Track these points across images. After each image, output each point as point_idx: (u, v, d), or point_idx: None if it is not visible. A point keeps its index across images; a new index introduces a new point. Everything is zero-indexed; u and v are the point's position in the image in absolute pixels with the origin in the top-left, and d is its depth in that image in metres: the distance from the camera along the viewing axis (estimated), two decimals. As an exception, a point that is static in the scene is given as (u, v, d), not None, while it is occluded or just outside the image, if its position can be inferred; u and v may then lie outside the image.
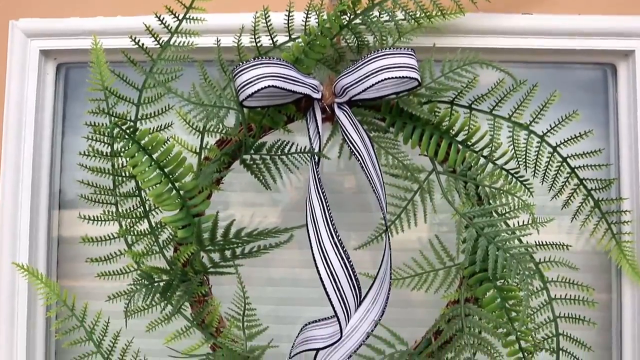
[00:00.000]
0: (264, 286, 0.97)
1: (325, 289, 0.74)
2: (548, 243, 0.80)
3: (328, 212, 0.75)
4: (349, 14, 0.79)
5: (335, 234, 0.74)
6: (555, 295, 0.80)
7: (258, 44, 0.80)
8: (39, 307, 0.91)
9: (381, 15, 0.81)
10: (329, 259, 0.74)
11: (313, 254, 0.74)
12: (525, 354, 0.77)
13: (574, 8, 0.91)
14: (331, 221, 0.75)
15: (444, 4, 0.81)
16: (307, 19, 0.80)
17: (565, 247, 0.80)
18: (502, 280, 0.79)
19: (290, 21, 0.80)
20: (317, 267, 0.74)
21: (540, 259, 0.81)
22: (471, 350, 0.79)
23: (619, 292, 0.91)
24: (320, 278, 0.74)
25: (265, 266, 0.98)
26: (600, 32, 0.89)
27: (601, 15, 0.90)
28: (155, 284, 0.80)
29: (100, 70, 0.78)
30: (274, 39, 0.81)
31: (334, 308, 0.76)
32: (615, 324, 0.92)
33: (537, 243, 0.81)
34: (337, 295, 0.75)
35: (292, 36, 0.82)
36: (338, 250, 0.75)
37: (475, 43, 0.89)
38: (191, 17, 0.78)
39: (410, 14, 0.81)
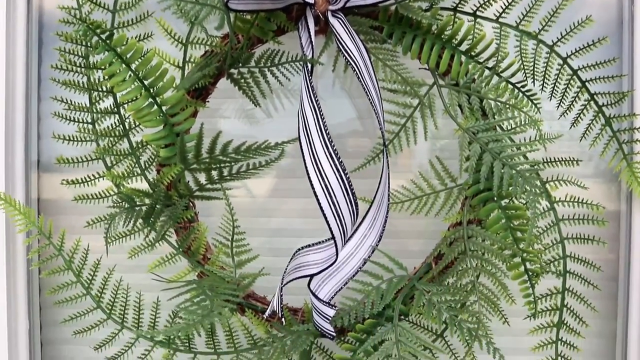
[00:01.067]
0: (256, 217, 0.92)
1: (319, 202, 0.69)
2: (557, 159, 0.76)
3: (322, 121, 0.70)
4: None
5: (330, 144, 0.69)
6: (563, 216, 0.76)
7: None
8: (19, 238, 0.86)
9: None
10: (324, 171, 0.69)
11: (306, 167, 0.69)
12: (531, 277, 0.74)
13: None
14: (326, 131, 0.70)
15: None
16: None
17: (575, 162, 0.76)
18: (508, 200, 0.76)
19: None
20: (310, 180, 0.69)
21: (547, 178, 0.77)
22: (474, 274, 0.75)
23: (628, 219, 0.88)
24: (314, 191, 0.69)
25: (257, 196, 0.93)
26: None
27: None
28: (137, 208, 0.76)
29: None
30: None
31: (328, 224, 0.71)
32: (624, 247, 0.88)
33: (545, 160, 0.77)
34: (332, 210, 0.70)
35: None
36: (333, 161, 0.70)
37: None
38: None
39: None
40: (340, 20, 0.75)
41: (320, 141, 0.70)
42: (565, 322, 0.75)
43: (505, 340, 0.75)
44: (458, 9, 0.76)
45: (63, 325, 0.81)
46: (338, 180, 0.70)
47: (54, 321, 0.93)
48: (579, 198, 0.76)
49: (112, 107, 0.76)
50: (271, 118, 0.91)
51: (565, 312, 0.75)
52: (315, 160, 0.69)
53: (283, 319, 0.77)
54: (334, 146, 0.68)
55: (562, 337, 0.75)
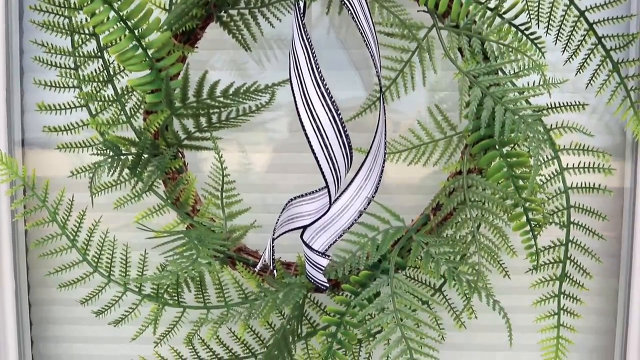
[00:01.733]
0: (247, 173, 0.90)
1: (310, 145, 0.66)
2: (562, 104, 0.73)
3: (314, 61, 0.67)
4: None
5: (322, 83, 0.65)
6: (567, 165, 0.73)
7: None
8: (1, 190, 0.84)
9: None
10: (315, 111, 0.66)
11: (297, 107, 0.66)
12: (534, 227, 0.71)
13: None
14: (318, 72, 0.66)
15: None
16: None
17: (581, 106, 0.72)
18: (509, 147, 0.72)
19: None
20: (301, 122, 0.66)
21: (550, 126, 0.74)
22: (474, 224, 0.72)
23: (634, 172, 0.84)
24: (305, 133, 0.66)
25: (249, 151, 0.90)
26: None
27: None
28: (123, 157, 0.73)
29: None
30: None
31: (321, 168, 0.67)
32: (629, 199, 0.85)
33: (549, 106, 0.74)
34: (324, 153, 0.67)
35: None
36: (325, 100, 0.66)
37: None
38: None
39: None
40: (334, -43, 0.72)
41: (312, 79, 0.66)
42: (568, 274, 0.73)
43: (504, 298, 0.73)
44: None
45: (49, 279, 0.79)
46: (330, 120, 0.66)
47: (41, 281, 0.92)
48: (584, 146, 0.72)
49: (96, 51, 0.73)
50: (263, 69, 0.88)
51: (568, 264, 0.72)
52: (306, 100, 0.66)
53: (275, 272, 0.75)
54: (325, 85, 0.65)
55: (564, 291, 0.73)
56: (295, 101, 0.67)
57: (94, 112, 0.74)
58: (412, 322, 0.68)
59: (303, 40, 0.67)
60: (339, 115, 0.65)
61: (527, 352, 0.88)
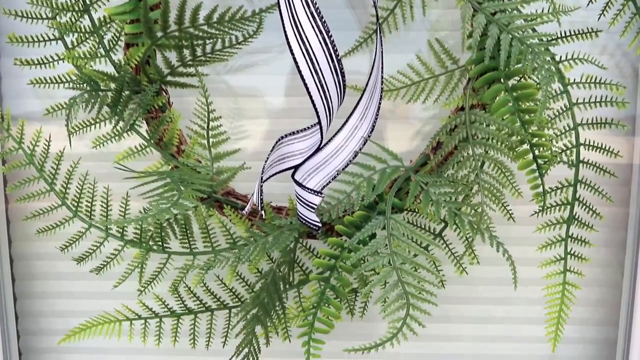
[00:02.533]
0: (236, 118, 0.85)
1: (299, 70, 0.61)
2: (573, 32, 0.67)
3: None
4: None
5: (313, 4, 0.60)
6: (577, 100, 0.68)
7: None
8: None
9: None
10: (305, 35, 0.60)
11: (286, 34, 0.61)
12: (540, 166, 0.67)
13: None
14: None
15: None
16: None
17: (595, 33, 0.67)
18: (515, 80, 0.68)
19: None
20: (290, 47, 0.61)
21: (559, 57, 0.69)
22: (477, 162, 0.68)
23: None
24: (293, 56, 0.61)
25: (238, 95, 0.85)
26: None
27: None
28: (102, 93, 0.69)
29: None
30: None
31: (311, 96, 0.63)
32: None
33: (559, 35, 0.68)
34: (314, 80, 0.62)
35: None
36: (315, 21, 0.61)
37: None
38: None
39: None
40: None
41: (304, 8, 0.61)
42: (577, 216, 0.68)
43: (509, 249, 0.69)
44: None
45: (30, 234, 0.75)
46: (320, 43, 0.61)
47: (23, 236, 0.88)
48: (596, 78, 0.67)
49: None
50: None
51: (579, 205, 0.68)
52: (295, 22, 0.61)
53: (263, 212, 0.70)
54: (316, 4, 0.60)
55: (572, 234, 0.68)
56: (282, 19, 0.62)
57: (70, 46, 0.69)
58: (410, 267, 0.64)
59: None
60: (330, 37, 0.60)
61: (530, 305, 0.85)
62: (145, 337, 0.74)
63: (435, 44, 0.73)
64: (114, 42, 0.69)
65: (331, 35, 0.60)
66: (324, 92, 0.62)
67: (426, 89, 0.74)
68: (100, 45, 0.69)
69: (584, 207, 0.68)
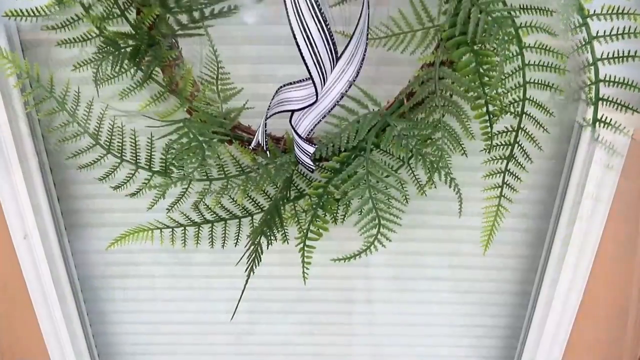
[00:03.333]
0: (239, 44, 0.94)
1: (300, 50, 0.73)
2: (532, 7, 0.78)
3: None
4: None
5: (313, -3, 0.70)
6: (529, 61, 0.82)
7: None
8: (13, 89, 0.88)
9: None
10: (303, 18, 0.71)
11: (287, 14, 0.71)
12: (491, 117, 0.83)
13: None
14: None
15: None
16: None
17: (550, 12, 0.79)
18: (480, 45, 0.80)
19: None
20: (291, 28, 0.72)
21: (520, 24, 0.80)
22: (441, 112, 0.83)
23: None
24: (295, 39, 0.72)
25: (239, 23, 0.94)
26: None
27: None
28: (122, 50, 0.78)
29: None
30: None
31: (308, 69, 0.76)
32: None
33: (522, 6, 0.79)
34: (312, 58, 0.75)
35: None
36: (312, 8, 0.71)
37: None
38: None
39: None
40: None
41: (303, -8, 0.70)
42: (514, 155, 0.87)
43: (461, 175, 0.88)
44: None
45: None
46: (318, 28, 0.72)
47: (61, 164, 1.03)
48: (546, 46, 0.80)
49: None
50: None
51: (517, 148, 0.86)
52: (296, 8, 0.71)
53: (267, 150, 0.86)
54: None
55: (509, 169, 0.88)
56: (286, 9, 0.71)
57: (86, 6, 0.76)
58: (383, 187, 0.83)
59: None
60: (326, 24, 0.71)
61: (475, 217, 1.08)
62: (173, 242, 0.94)
63: (416, 1, 0.83)
64: (129, 4, 0.76)
65: (327, 20, 0.70)
66: (319, 66, 0.74)
67: (405, 42, 0.85)
68: (115, 6, 0.76)
69: (521, 150, 0.87)
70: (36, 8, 0.73)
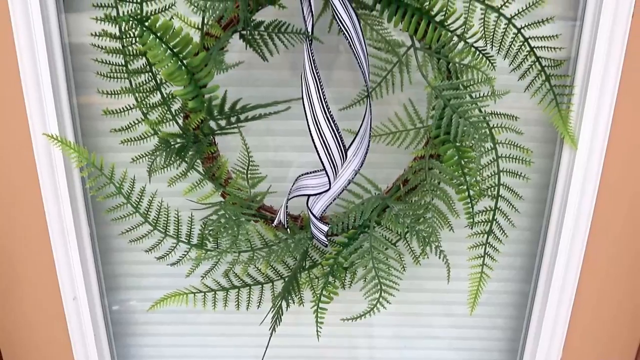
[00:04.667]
0: (263, 136, 1.13)
1: (317, 151, 0.91)
2: (501, 113, 0.97)
3: (321, 88, 0.88)
4: None
5: (327, 108, 0.88)
6: (501, 155, 1.00)
7: None
8: (75, 170, 1.07)
9: None
10: (321, 128, 0.89)
11: (308, 123, 0.89)
12: (472, 199, 1.00)
13: None
14: (323, 96, 0.88)
15: None
16: None
17: (514, 118, 0.98)
18: (461, 142, 0.98)
19: None
20: (310, 134, 0.90)
21: (494, 125, 0.99)
22: (431, 196, 1.01)
23: (558, 158, 1.13)
24: (314, 142, 0.90)
25: (265, 119, 1.12)
26: None
27: None
28: (172, 147, 0.96)
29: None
30: None
31: (324, 166, 0.94)
32: (552, 181, 1.15)
33: (493, 112, 0.98)
34: (327, 157, 0.92)
35: None
36: (328, 120, 0.89)
37: None
38: None
39: None
40: (336, -7, 0.89)
41: (320, 105, 0.88)
42: (492, 231, 1.03)
43: (449, 245, 1.04)
44: (436, -14, 0.90)
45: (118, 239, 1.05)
46: (332, 135, 0.90)
47: (109, 235, 1.19)
48: (515, 142, 0.99)
49: (145, 66, 0.92)
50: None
51: (494, 224, 1.03)
52: (315, 119, 0.89)
53: (287, 228, 1.03)
54: (330, 110, 0.87)
55: (489, 242, 1.04)
56: (306, 118, 0.90)
57: (145, 112, 0.95)
58: (384, 258, 0.99)
59: (312, 70, 0.88)
60: (338, 131, 0.89)
61: (464, 282, 1.24)
62: (205, 304, 1.09)
63: (409, 105, 1.02)
64: (179, 111, 0.95)
65: (339, 129, 0.89)
66: (332, 161, 0.92)
67: (400, 138, 1.03)
68: (168, 112, 0.95)
69: (498, 226, 1.04)
70: (108, 110, 0.92)
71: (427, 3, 0.90)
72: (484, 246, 1.04)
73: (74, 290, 1.16)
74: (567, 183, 1.11)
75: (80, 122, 1.10)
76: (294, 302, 1.06)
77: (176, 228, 1.02)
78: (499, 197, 1.01)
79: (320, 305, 1.02)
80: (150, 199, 1.01)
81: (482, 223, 1.03)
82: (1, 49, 0.98)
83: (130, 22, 0.80)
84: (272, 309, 1.06)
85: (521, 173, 1.01)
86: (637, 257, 1.19)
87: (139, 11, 0.82)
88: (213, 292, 1.08)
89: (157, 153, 0.94)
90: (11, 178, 1.08)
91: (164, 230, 1.02)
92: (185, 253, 1.03)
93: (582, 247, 1.15)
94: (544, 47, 0.94)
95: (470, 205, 0.99)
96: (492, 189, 1.02)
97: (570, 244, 1.15)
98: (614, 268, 1.19)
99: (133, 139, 0.94)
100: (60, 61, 1.01)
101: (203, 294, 1.08)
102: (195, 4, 0.88)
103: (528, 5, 0.90)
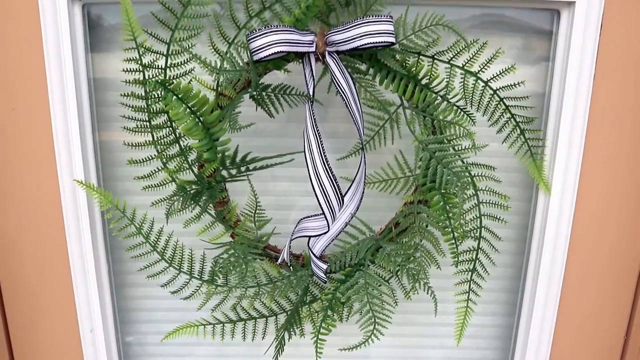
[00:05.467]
0: (268, 182, 1.25)
1: (317, 198, 1.03)
2: (481, 164, 1.10)
3: (320, 142, 1.00)
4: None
5: (326, 160, 0.99)
6: (482, 200, 1.12)
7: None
8: (96, 211, 1.18)
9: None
10: (321, 178, 1.01)
11: (309, 173, 1.01)
12: (457, 240, 1.11)
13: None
14: (323, 150, 1.00)
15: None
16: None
17: (492, 168, 1.10)
18: (445, 190, 1.10)
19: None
20: (311, 182, 1.02)
21: (475, 174, 1.11)
22: (420, 237, 1.12)
23: (535, 201, 1.25)
24: (314, 190, 1.02)
25: (274, 180, 1.25)
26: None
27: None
28: (188, 192, 1.07)
29: (131, 26, 0.95)
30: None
31: (322, 211, 1.05)
32: (529, 224, 1.27)
33: (474, 163, 1.10)
34: (325, 203, 1.03)
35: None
36: (327, 171, 1.01)
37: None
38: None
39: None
40: (334, 60, 1.02)
41: (319, 158, 1.00)
42: (476, 268, 1.14)
43: (437, 281, 1.15)
44: (421, 54, 1.03)
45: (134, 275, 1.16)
46: (330, 184, 1.02)
47: (126, 270, 1.30)
48: (493, 189, 1.10)
49: (165, 122, 1.04)
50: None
51: (477, 262, 1.14)
52: (315, 170, 1.01)
53: (290, 266, 1.14)
54: (328, 162, 0.99)
55: (474, 279, 1.15)
56: (308, 169, 1.01)
57: (164, 162, 1.07)
58: (377, 293, 1.09)
59: (314, 128, 1.00)
60: (336, 180, 1.00)
61: (452, 315, 1.34)
62: (214, 336, 1.19)
63: (399, 156, 1.14)
64: (194, 162, 1.07)
65: (336, 179, 1.00)
66: (330, 207, 1.03)
67: (392, 185, 1.15)
68: (185, 162, 1.07)
69: (481, 264, 1.14)
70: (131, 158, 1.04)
71: (414, 69, 1.03)
72: (468, 282, 1.15)
73: (92, 323, 1.25)
74: (543, 224, 1.22)
75: (103, 169, 1.22)
76: (295, 334, 1.15)
77: (189, 265, 1.13)
78: (481, 238, 1.12)
79: (320, 336, 1.11)
80: (167, 238, 1.12)
81: (466, 262, 1.14)
82: (35, 92, 1.11)
83: (156, 86, 0.92)
84: (275, 340, 1.15)
85: (500, 217, 1.12)
86: (610, 290, 1.29)
87: (162, 75, 0.95)
88: (222, 325, 1.17)
89: (175, 198, 1.05)
90: (38, 216, 1.19)
91: (178, 267, 1.12)
92: (198, 288, 1.14)
93: (559, 282, 1.25)
94: (518, 105, 1.07)
95: (455, 245, 1.10)
96: (475, 231, 1.13)
97: (548, 280, 1.25)
98: (591, 302, 1.30)
99: (153, 185, 1.06)
100: (86, 97, 1.13)
101: (212, 325, 1.18)
102: (212, 70, 1.01)
103: (502, 71, 1.03)
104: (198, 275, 1.12)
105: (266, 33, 0.92)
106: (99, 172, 1.20)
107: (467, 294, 1.15)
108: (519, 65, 1.18)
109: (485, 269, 1.14)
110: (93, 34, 1.15)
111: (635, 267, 1.27)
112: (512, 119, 1.09)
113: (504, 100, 1.07)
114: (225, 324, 1.17)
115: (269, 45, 0.92)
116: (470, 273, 1.14)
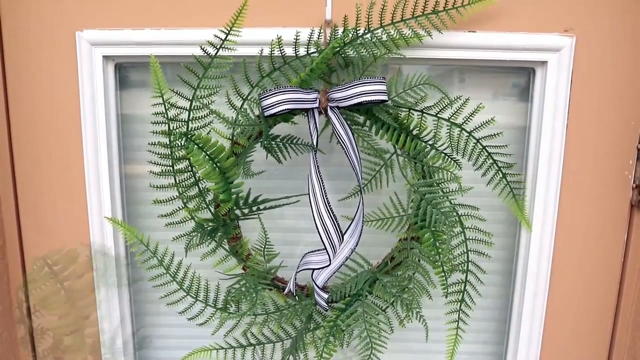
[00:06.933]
0: (277, 219, 1.39)
1: (320, 236, 1.15)
2: (467, 205, 1.22)
3: (323, 187, 1.14)
4: (340, 46, 1.12)
5: (328, 203, 1.13)
6: (469, 237, 1.24)
7: (273, 62, 1.12)
8: (121, 243, 1.32)
9: (363, 41, 1.13)
10: (323, 218, 1.14)
11: (313, 214, 1.14)
12: (446, 273, 1.23)
13: (507, 26, 1.24)
14: (325, 193, 1.14)
15: (406, 33, 1.14)
16: (310, 49, 1.12)
17: (475, 208, 1.22)
18: (435, 228, 1.22)
19: (297, 43, 1.12)
20: (315, 221, 1.15)
21: (462, 213, 1.23)
22: (413, 270, 1.24)
23: (518, 237, 1.37)
24: (317, 228, 1.15)
25: (282, 218, 1.38)
26: (526, 47, 1.24)
27: (526, 34, 1.23)
28: (205, 229, 1.20)
29: (159, 85, 1.10)
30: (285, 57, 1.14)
31: (325, 247, 1.18)
32: (514, 257, 1.39)
33: (460, 204, 1.23)
34: (327, 239, 1.16)
35: (299, 54, 1.14)
36: (329, 212, 1.14)
37: (434, 55, 1.23)
38: (227, 45, 1.09)
39: (382, 42, 1.14)
40: (335, 114, 1.16)
41: (322, 200, 1.13)
42: (464, 299, 1.26)
43: (429, 311, 1.27)
44: (411, 109, 1.17)
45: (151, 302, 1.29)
46: (331, 222, 1.15)
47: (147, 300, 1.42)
48: (478, 227, 1.23)
49: (187, 167, 1.18)
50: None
51: (465, 294, 1.25)
52: (318, 211, 1.14)
53: (295, 295, 1.26)
54: (330, 204, 1.12)
55: (462, 308, 1.26)
56: (312, 210, 1.14)
57: (185, 202, 1.20)
58: (375, 321, 1.21)
59: (317, 174, 1.13)
60: (336, 220, 1.14)
61: (442, 343, 1.44)
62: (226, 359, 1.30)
63: (394, 197, 1.27)
64: (211, 202, 1.20)
65: (337, 219, 1.13)
66: (331, 243, 1.15)
67: (388, 223, 1.28)
68: (203, 202, 1.20)
69: (469, 295, 1.26)
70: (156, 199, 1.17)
71: (405, 121, 1.17)
72: (457, 312, 1.26)
73: (113, 347, 1.37)
74: (526, 258, 1.34)
75: (128, 208, 1.36)
76: (299, 358, 1.27)
77: (205, 294, 1.25)
78: (468, 272, 1.24)
79: (322, 361, 1.23)
80: (186, 270, 1.24)
81: (456, 292, 1.25)
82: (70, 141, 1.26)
83: (180, 137, 1.06)
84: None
85: (484, 252, 1.24)
86: (588, 320, 1.40)
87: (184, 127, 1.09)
88: (233, 349, 1.29)
89: (194, 234, 1.19)
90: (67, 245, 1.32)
91: (195, 296, 1.24)
92: (212, 315, 1.26)
93: (542, 312, 1.36)
94: (499, 153, 1.20)
95: (444, 278, 1.21)
96: (463, 264, 1.25)
97: (532, 310, 1.36)
98: (571, 332, 1.40)
99: (175, 223, 1.19)
100: (115, 136, 1.28)
101: (224, 350, 1.29)
102: (229, 124, 1.15)
103: (485, 122, 1.17)
104: (212, 304, 1.24)
105: (275, 93, 1.07)
106: (124, 210, 1.34)
107: (456, 322, 1.26)
108: (499, 115, 1.31)
109: (473, 300, 1.25)
110: (123, 84, 1.30)
111: (612, 298, 1.38)
112: (494, 164, 1.23)
113: (486, 148, 1.20)
114: (236, 349, 1.29)
115: (278, 103, 1.07)
116: (459, 303, 1.26)
